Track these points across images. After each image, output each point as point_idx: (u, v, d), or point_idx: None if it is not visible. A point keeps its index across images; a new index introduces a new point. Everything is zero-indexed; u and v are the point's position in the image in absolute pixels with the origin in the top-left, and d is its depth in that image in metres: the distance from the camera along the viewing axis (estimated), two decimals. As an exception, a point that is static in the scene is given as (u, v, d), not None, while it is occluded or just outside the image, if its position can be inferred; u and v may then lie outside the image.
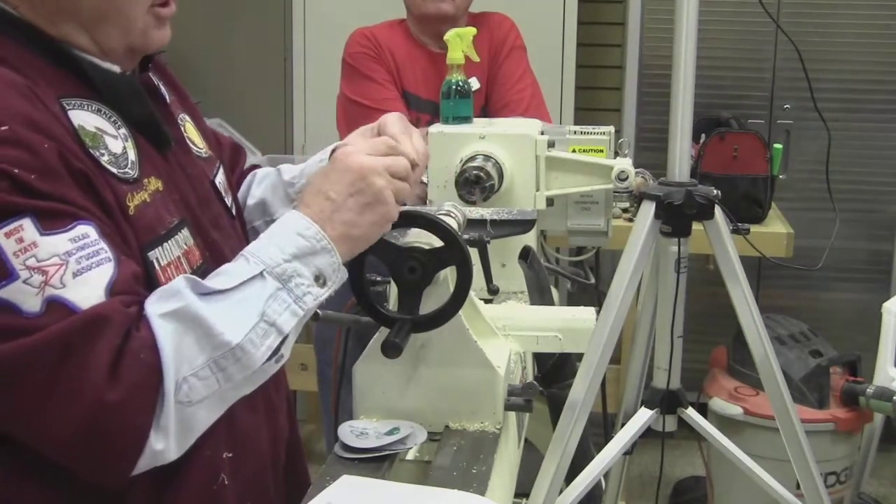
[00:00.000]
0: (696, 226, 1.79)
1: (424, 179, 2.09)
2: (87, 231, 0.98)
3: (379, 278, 1.26)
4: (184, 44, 3.80)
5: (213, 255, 1.20)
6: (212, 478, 1.15)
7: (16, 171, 0.95)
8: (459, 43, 1.91)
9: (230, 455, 1.17)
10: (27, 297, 0.93)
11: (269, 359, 1.03)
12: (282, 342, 1.04)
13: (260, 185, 1.45)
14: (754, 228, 2.17)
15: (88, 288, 0.96)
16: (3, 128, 0.96)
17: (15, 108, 0.99)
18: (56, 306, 0.94)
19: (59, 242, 0.96)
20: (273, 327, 1.02)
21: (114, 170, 1.07)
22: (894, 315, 2.86)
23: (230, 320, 1.00)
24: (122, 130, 1.11)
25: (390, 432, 1.18)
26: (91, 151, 1.05)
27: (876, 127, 3.72)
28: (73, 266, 0.96)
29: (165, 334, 0.97)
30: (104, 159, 1.06)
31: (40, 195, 0.96)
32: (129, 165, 1.09)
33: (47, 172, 0.97)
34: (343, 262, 1.11)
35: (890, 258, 3.80)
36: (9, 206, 0.94)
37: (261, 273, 1.03)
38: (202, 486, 1.14)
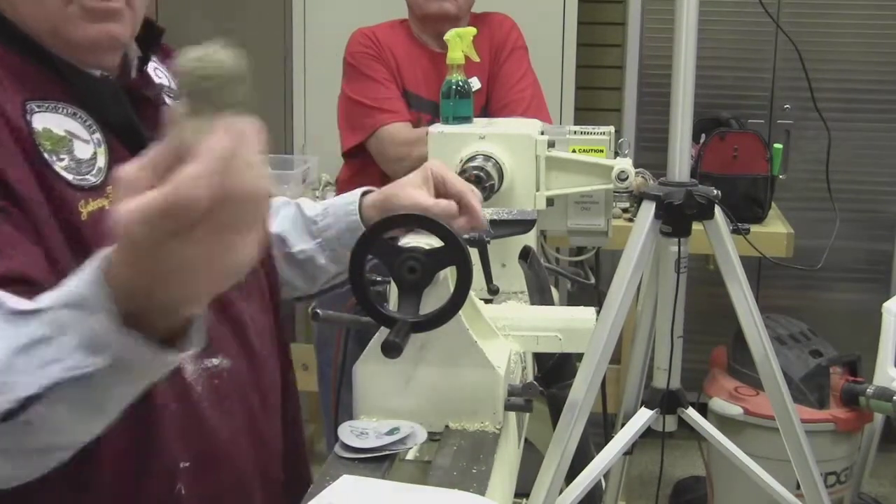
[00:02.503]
0: (696, 226, 1.79)
1: None
2: None
3: (379, 278, 1.26)
4: (184, 44, 3.80)
5: None
6: (167, 488, 1.13)
7: None
8: (459, 43, 1.91)
9: (187, 465, 1.14)
10: None
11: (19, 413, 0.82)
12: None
13: (277, 216, 1.43)
14: (754, 228, 2.18)
15: None
16: None
17: None
18: None
19: None
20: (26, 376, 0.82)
21: (68, 175, 1.07)
22: (894, 315, 2.87)
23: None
24: (97, 135, 1.11)
25: (390, 432, 1.18)
26: (45, 155, 1.05)
27: (876, 127, 3.72)
28: None
29: None
30: (60, 164, 1.06)
31: None
32: (94, 171, 1.09)
33: None
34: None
35: (890, 258, 3.80)
36: None
37: (39, 308, 0.84)
38: (156, 496, 1.12)
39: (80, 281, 0.80)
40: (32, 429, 0.83)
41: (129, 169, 0.72)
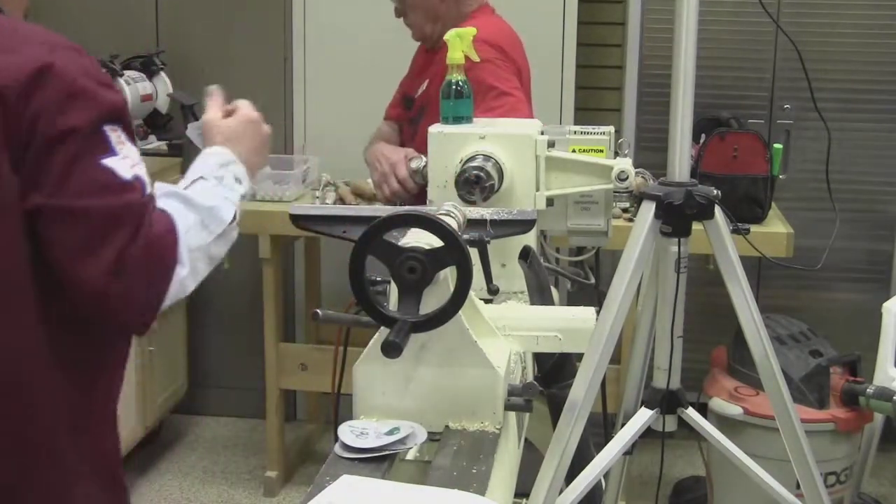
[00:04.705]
0: (696, 226, 1.79)
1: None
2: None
3: (379, 278, 1.26)
4: (184, 44, 3.80)
5: None
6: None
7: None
8: (459, 43, 1.91)
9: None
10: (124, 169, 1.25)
11: (231, 221, 1.33)
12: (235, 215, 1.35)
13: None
14: (754, 228, 2.18)
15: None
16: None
17: None
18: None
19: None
20: (227, 200, 1.35)
21: None
22: (894, 315, 2.87)
23: (203, 197, 1.33)
24: None
25: (390, 432, 1.19)
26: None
27: (876, 127, 3.72)
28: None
29: (168, 206, 1.29)
30: None
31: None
32: None
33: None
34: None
35: (890, 258, 3.79)
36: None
37: (200, 177, 1.36)
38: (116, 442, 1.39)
39: (218, 155, 1.40)
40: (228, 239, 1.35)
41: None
